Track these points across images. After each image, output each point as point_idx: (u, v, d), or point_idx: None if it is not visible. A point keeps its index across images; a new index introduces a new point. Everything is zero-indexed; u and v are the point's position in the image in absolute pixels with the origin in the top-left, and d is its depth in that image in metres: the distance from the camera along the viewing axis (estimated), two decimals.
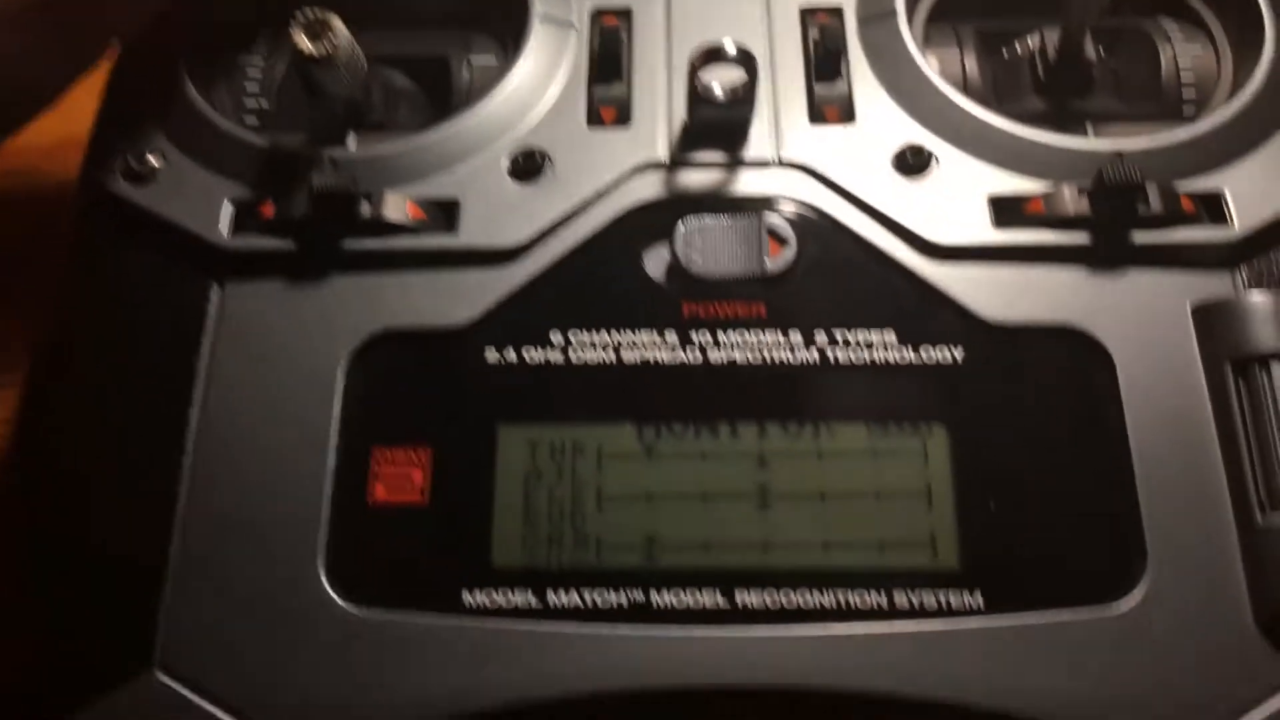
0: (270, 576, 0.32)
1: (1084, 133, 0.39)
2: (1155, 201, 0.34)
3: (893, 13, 0.39)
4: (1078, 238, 0.35)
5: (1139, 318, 0.34)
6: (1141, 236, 0.35)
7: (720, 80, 0.36)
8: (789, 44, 0.39)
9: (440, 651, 0.31)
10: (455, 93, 0.41)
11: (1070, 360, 0.34)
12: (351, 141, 0.39)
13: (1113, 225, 0.35)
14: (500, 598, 0.31)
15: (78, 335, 0.35)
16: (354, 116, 0.40)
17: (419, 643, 0.31)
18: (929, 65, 0.38)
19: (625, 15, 0.40)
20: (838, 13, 0.40)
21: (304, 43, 0.35)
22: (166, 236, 0.36)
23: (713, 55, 0.35)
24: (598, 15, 0.40)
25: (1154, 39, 0.40)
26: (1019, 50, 0.41)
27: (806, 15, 0.40)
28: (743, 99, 0.36)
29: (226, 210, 0.36)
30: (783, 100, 0.38)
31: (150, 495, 0.33)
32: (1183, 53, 0.40)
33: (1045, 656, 0.30)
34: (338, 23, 0.35)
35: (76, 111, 0.40)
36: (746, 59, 0.35)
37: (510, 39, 0.41)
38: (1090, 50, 0.39)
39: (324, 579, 0.31)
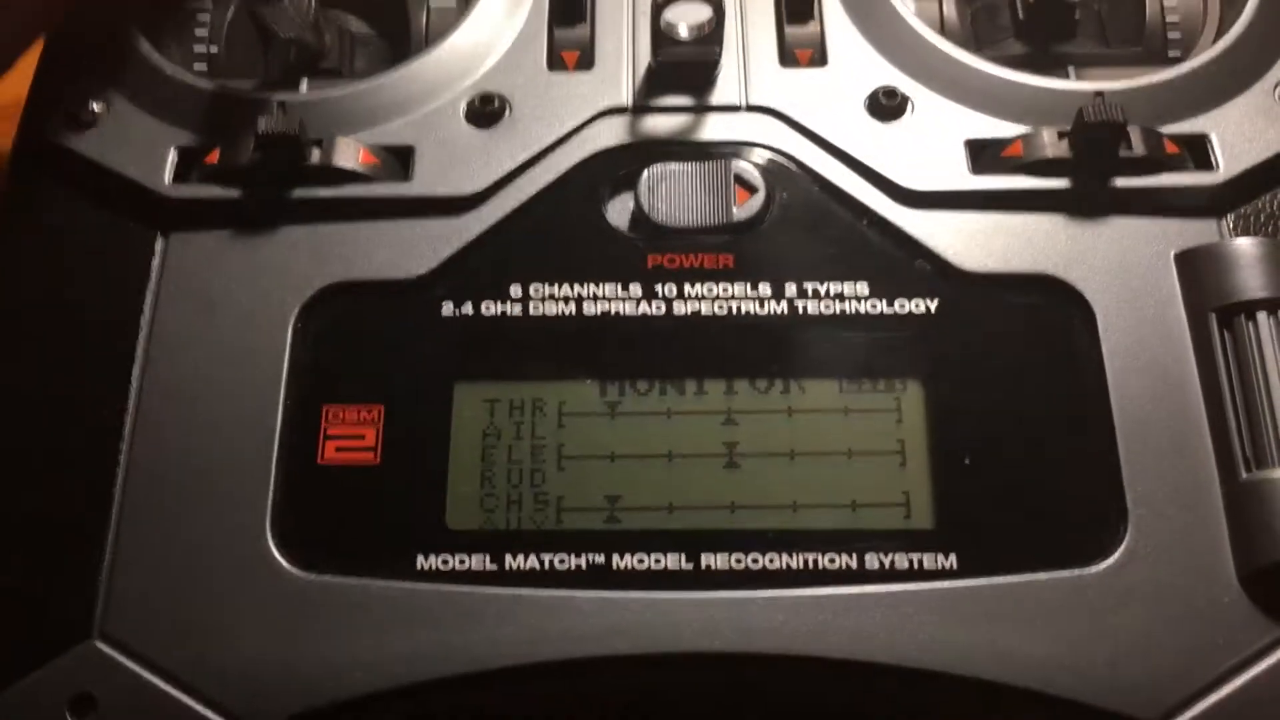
0: (215, 540, 0.30)
1: (1065, 76, 0.37)
2: (1138, 144, 0.33)
3: None
4: (1057, 183, 0.33)
5: (1120, 266, 0.33)
6: (1123, 181, 0.33)
7: (686, 19, 0.34)
8: None
9: (392, 618, 0.29)
10: (413, 37, 0.39)
11: (1049, 311, 0.32)
12: (304, 87, 0.37)
13: (1093, 169, 0.33)
14: (455, 561, 0.30)
15: (14, 290, 0.34)
16: (307, 62, 0.38)
17: (370, 609, 0.29)
18: (905, 6, 0.37)
19: None
20: None
21: None
22: (108, 186, 0.35)
23: None
24: None
25: None
26: None
27: None
28: (709, 38, 0.34)
29: (171, 158, 0.35)
30: (751, 41, 0.37)
31: (90, 456, 0.31)
32: None
33: (1021, 620, 0.29)
34: None
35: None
36: None
37: None
38: None
39: (271, 542, 0.30)
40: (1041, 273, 0.33)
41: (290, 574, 0.30)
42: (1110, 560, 0.30)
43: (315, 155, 0.34)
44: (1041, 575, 0.29)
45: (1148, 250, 0.33)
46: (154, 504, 0.31)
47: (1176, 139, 0.34)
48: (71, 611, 0.30)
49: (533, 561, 0.30)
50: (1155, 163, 0.33)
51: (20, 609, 0.30)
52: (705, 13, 0.34)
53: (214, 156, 0.34)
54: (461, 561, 0.30)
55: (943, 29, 0.38)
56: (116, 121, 0.35)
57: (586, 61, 0.36)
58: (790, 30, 0.37)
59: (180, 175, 0.35)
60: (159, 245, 0.34)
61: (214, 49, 0.39)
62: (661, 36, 0.34)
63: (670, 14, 0.34)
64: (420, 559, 0.30)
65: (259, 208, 0.34)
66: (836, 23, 0.37)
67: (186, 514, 0.31)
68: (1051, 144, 0.33)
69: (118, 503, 0.31)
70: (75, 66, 0.37)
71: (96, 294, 0.33)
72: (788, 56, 0.36)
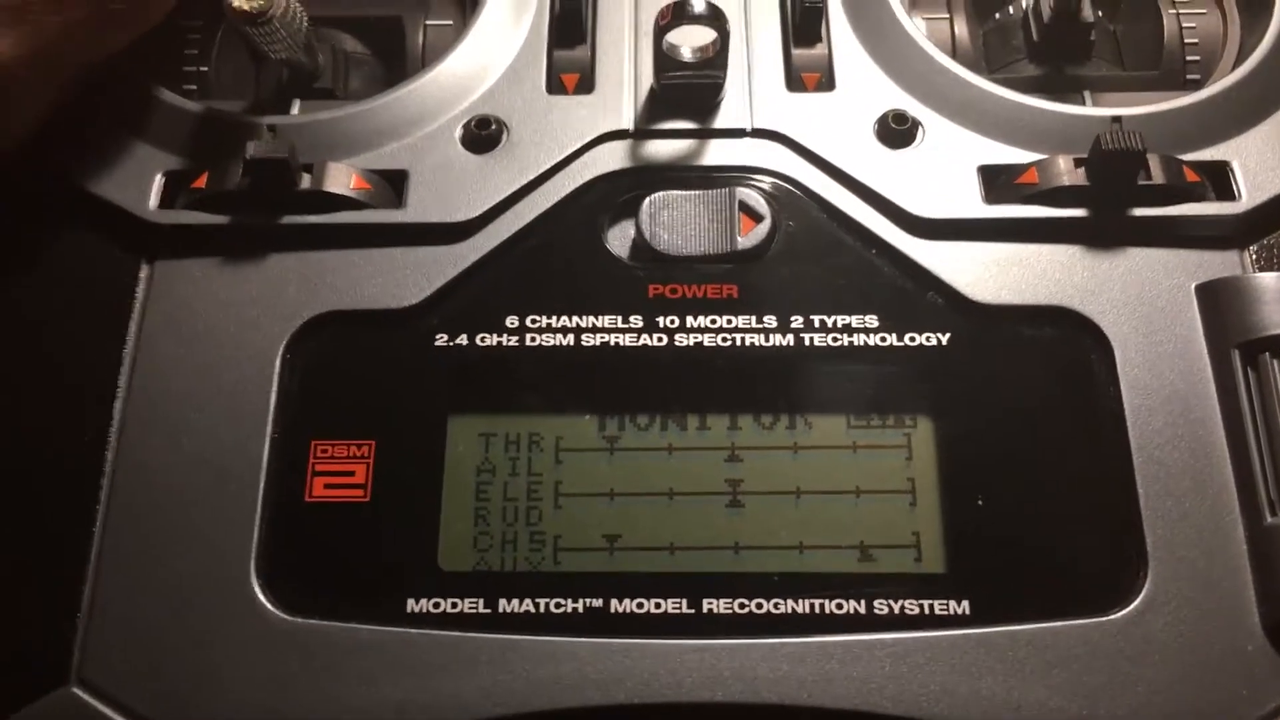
0: (198, 582, 0.29)
1: (1079, 99, 0.36)
2: (1157, 172, 0.32)
3: None
4: (1073, 212, 0.32)
5: (1139, 299, 0.31)
6: (1142, 211, 0.32)
7: (689, 41, 0.33)
8: (766, 3, 0.36)
9: (382, 665, 0.28)
10: (409, 57, 0.38)
11: (1065, 345, 0.31)
12: (295, 108, 0.36)
13: (1111, 198, 0.32)
14: (447, 605, 0.29)
15: None
16: (301, 83, 0.37)
17: (358, 655, 0.28)
18: (915, 28, 0.36)
19: None
20: None
21: None
22: (91, 210, 0.33)
23: (680, 12, 0.32)
24: None
25: (1157, 1, 0.38)
26: (1011, 12, 0.38)
27: None
28: (713, 61, 0.33)
29: (157, 182, 0.34)
30: (757, 64, 0.35)
31: (69, 493, 0.30)
32: (1187, 16, 0.37)
33: (1037, 670, 0.28)
34: None
35: None
36: (716, 16, 0.32)
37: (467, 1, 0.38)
38: (1088, 10, 0.36)
39: (256, 585, 0.29)
40: (1057, 305, 0.31)
41: (276, 618, 0.29)
42: (1129, 608, 0.28)
43: (306, 180, 0.33)
44: (1058, 624, 0.28)
45: (1167, 282, 0.31)
46: (135, 543, 0.30)
47: (1197, 167, 0.32)
48: (47, 656, 0.29)
49: (528, 605, 0.29)
50: (1175, 191, 0.32)
51: None
52: (709, 35, 0.33)
53: (201, 181, 0.33)
54: (454, 605, 0.29)
55: (954, 51, 0.37)
56: (101, 144, 0.34)
57: (587, 84, 0.35)
58: (797, 53, 0.35)
59: (166, 200, 0.34)
60: (143, 273, 0.33)
61: (203, 69, 0.38)
62: (665, 59, 0.33)
63: (674, 36, 0.33)
64: (411, 602, 0.29)
65: (247, 234, 0.33)
66: (845, 45, 0.36)
67: (168, 554, 0.29)
68: (1068, 171, 0.32)
69: (97, 542, 0.30)
70: None
71: (78, 323, 0.32)
72: (795, 80, 0.35)
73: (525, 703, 0.28)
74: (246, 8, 0.32)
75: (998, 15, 0.39)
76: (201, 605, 0.29)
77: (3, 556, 0.30)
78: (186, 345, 0.32)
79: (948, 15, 0.38)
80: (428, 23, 0.39)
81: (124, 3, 0.32)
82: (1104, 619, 0.28)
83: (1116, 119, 0.32)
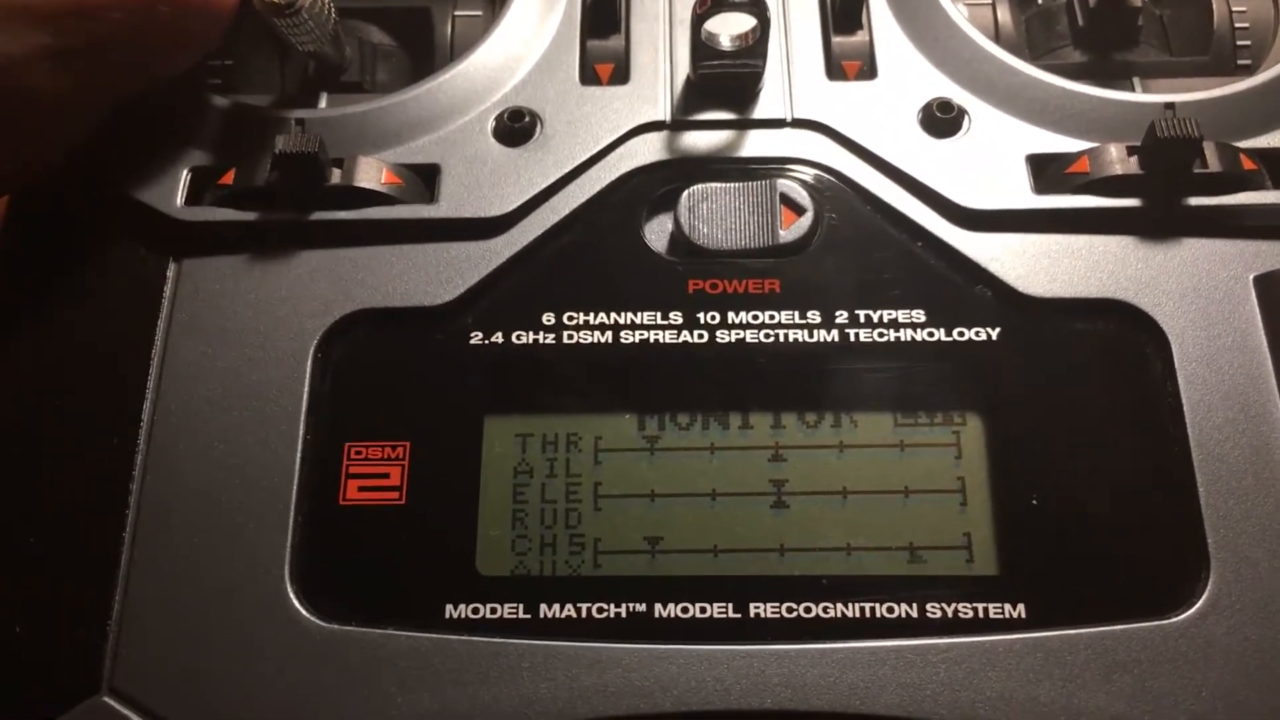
0: (231, 588, 0.28)
1: (1128, 85, 0.35)
2: (1213, 160, 0.31)
3: None
4: (1126, 202, 0.31)
5: (1195, 290, 0.30)
6: (1197, 200, 0.31)
7: (728, 29, 0.32)
8: None
9: (419, 672, 0.27)
10: (437, 48, 0.37)
11: (1119, 339, 0.30)
12: (323, 102, 0.35)
13: (1165, 187, 0.31)
14: (486, 610, 0.28)
15: (17, 319, 0.32)
16: (327, 75, 0.36)
17: (395, 662, 0.28)
18: (958, 13, 0.35)
19: None
20: None
21: None
22: (118, 209, 0.33)
23: (719, 1, 0.31)
24: None
25: None
26: None
27: None
28: (752, 50, 0.32)
29: (184, 179, 0.33)
30: (796, 53, 0.35)
31: (99, 499, 0.29)
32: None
33: (1096, 676, 0.27)
34: None
35: None
36: (756, 4, 0.31)
37: None
38: None
39: (290, 590, 0.28)
40: (1111, 298, 0.31)
41: (310, 624, 0.28)
42: (1191, 610, 0.27)
43: (336, 175, 0.32)
44: (1117, 627, 0.27)
45: (1224, 273, 0.31)
46: (166, 549, 0.29)
47: (1253, 154, 0.31)
48: (79, 664, 0.28)
49: (569, 610, 0.28)
50: (1231, 180, 0.31)
51: (25, 661, 0.28)
52: (749, 23, 0.32)
53: (229, 177, 0.32)
54: (493, 610, 0.28)
55: (997, 37, 0.36)
56: (127, 141, 0.33)
57: (621, 75, 0.34)
58: (838, 41, 0.35)
59: (193, 197, 0.33)
60: (171, 271, 0.32)
61: (229, 63, 0.37)
62: (702, 48, 0.32)
63: (712, 24, 0.32)
64: (449, 608, 0.28)
65: (276, 231, 0.32)
66: (886, 32, 0.35)
67: (200, 559, 0.29)
68: (1120, 160, 0.31)
69: (128, 548, 0.29)
70: None
71: (105, 323, 0.32)
72: (835, 69, 0.34)
73: (568, 711, 0.27)
74: (280, 1, 0.31)
75: (1040, 1, 0.37)
76: (234, 612, 0.28)
77: (33, 563, 0.29)
78: (216, 345, 0.31)
79: (990, 1, 0.37)
80: (456, 13, 0.38)
81: (170, 39, 0.31)
82: (1165, 622, 0.27)
83: (1170, 106, 0.31)
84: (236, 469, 0.30)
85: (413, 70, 0.38)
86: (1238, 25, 0.36)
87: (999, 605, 0.28)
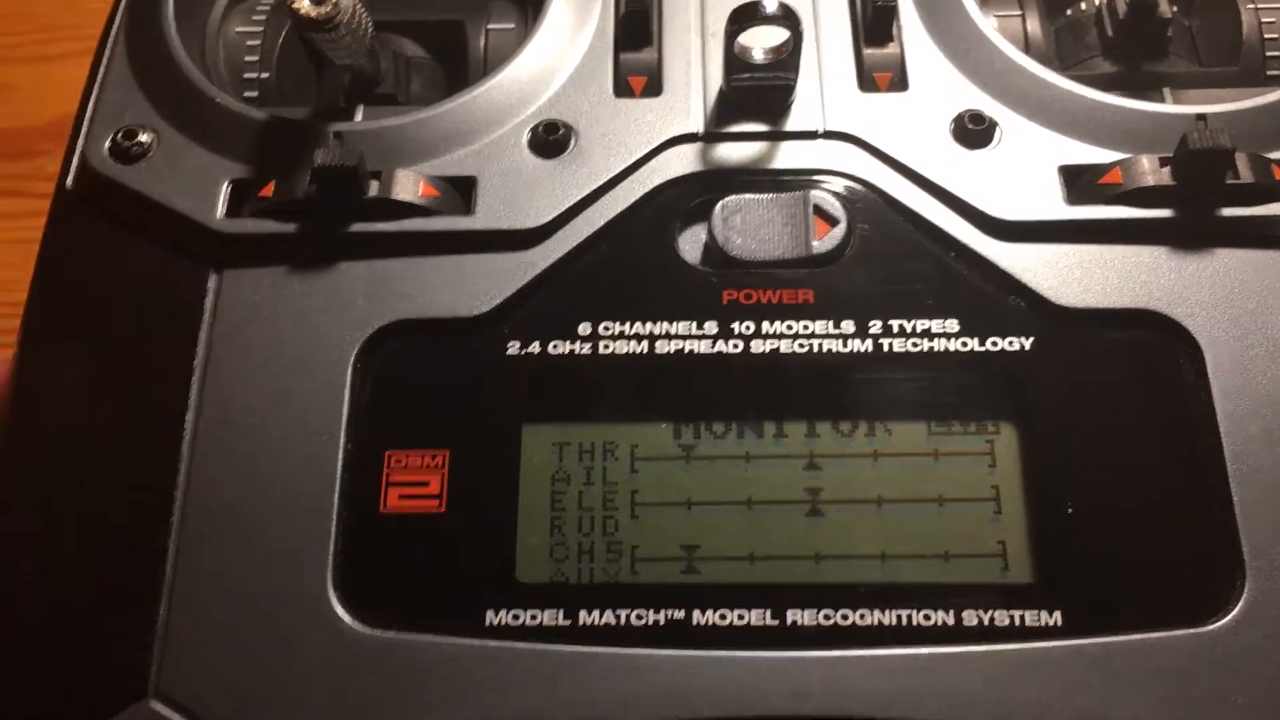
0: (275, 594, 0.29)
1: (1159, 96, 0.35)
2: (1245, 171, 0.31)
3: None
4: (1159, 213, 0.31)
5: (1228, 301, 0.31)
6: (1230, 211, 0.31)
7: (761, 42, 0.32)
8: (834, 2, 0.36)
9: (461, 677, 0.28)
10: (471, 61, 0.38)
11: (1153, 349, 0.31)
12: (359, 114, 0.36)
13: (1197, 198, 0.31)
14: (526, 617, 0.28)
15: (60, 330, 0.32)
16: (362, 88, 0.37)
17: (437, 668, 0.28)
18: (988, 24, 0.35)
19: None
20: None
21: (304, 5, 0.31)
22: (159, 220, 0.33)
23: (751, 13, 0.31)
24: None
25: None
26: (1085, 8, 0.37)
27: None
28: (785, 62, 0.33)
29: (224, 191, 0.33)
30: (828, 64, 0.35)
31: (143, 507, 0.30)
32: (1266, 10, 0.36)
33: (1134, 682, 0.27)
34: None
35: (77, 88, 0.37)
36: (789, 16, 0.31)
37: (530, 2, 0.38)
38: (1165, 6, 0.36)
39: (333, 597, 0.29)
40: (1144, 308, 0.31)
41: (353, 630, 0.28)
42: (1228, 618, 0.28)
43: (374, 188, 0.32)
44: (1153, 634, 0.28)
45: (1257, 284, 0.31)
46: (210, 556, 0.29)
47: None
48: (126, 670, 0.28)
49: (608, 617, 0.29)
50: (1263, 191, 0.31)
51: (73, 667, 0.29)
52: (782, 35, 0.32)
53: (268, 189, 0.33)
54: (533, 617, 0.28)
55: (1027, 48, 0.37)
56: (166, 152, 0.34)
57: (654, 87, 0.35)
58: (869, 53, 0.35)
59: (234, 209, 0.33)
60: (212, 282, 0.32)
61: (265, 75, 0.38)
62: (735, 60, 0.33)
63: (745, 37, 0.32)
64: (489, 614, 0.29)
65: (316, 242, 0.32)
66: (917, 44, 0.35)
67: (244, 566, 0.29)
68: (1153, 171, 0.31)
69: (172, 555, 0.29)
70: (122, 90, 0.35)
71: (146, 334, 0.32)
72: (867, 80, 0.35)
73: (608, 716, 0.27)
74: (314, 14, 0.31)
75: (1070, 11, 0.38)
76: (278, 618, 0.29)
77: (80, 571, 0.29)
78: (257, 355, 0.31)
79: (1020, 12, 0.37)
80: (489, 26, 0.38)
81: None
82: (1201, 629, 0.28)
83: (1202, 117, 0.32)
84: (279, 477, 0.30)
85: (446, 82, 0.38)
86: (1267, 36, 0.36)
87: (1035, 613, 0.28)
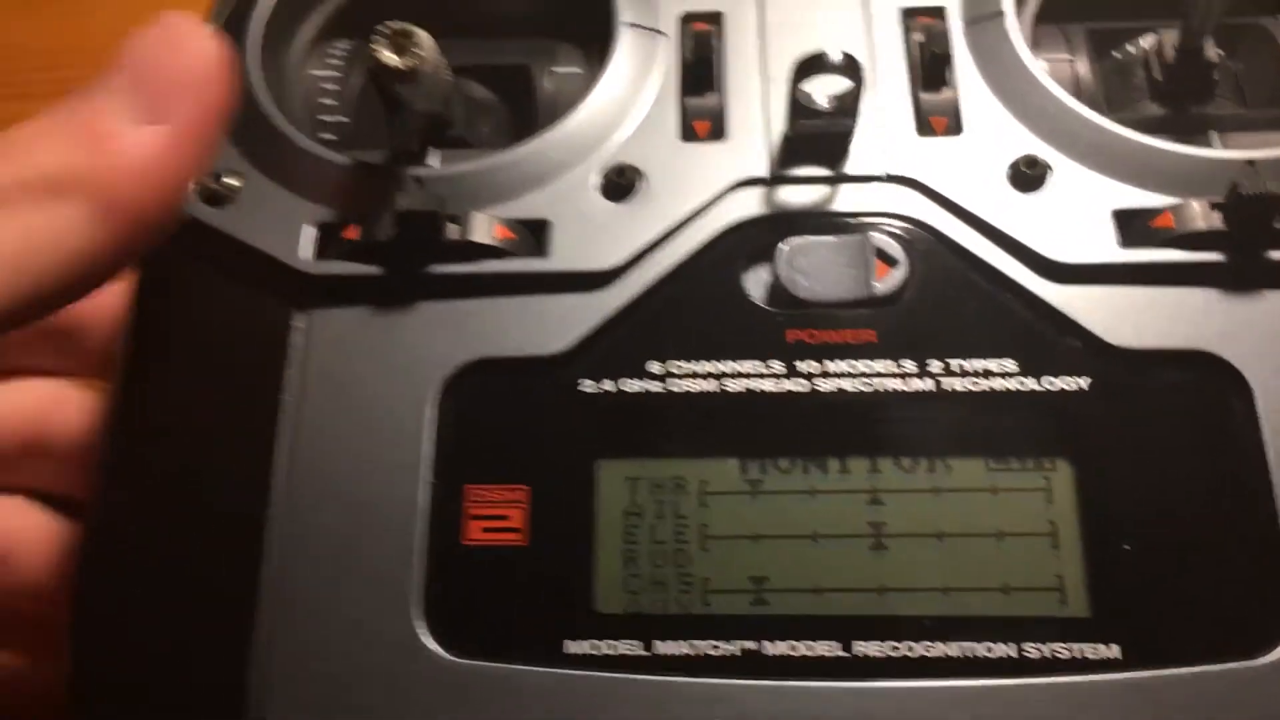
0: (364, 624, 0.30)
1: (1206, 139, 0.36)
2: None
3: (1000, 13, 0.37)
4: (1210, 256, 0.32)
5: (1279, 342, 0.32)
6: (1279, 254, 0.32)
7: (825, 90, 0.34)
8: (891, 48, 0.37)
9: (543, 705, 0.29)
10: (539, 104, 0.39)
11: (1206, 389, 0.32)
12: (434, 158, 0.37)
13: (1248, 242, 0.32)
14: (605, 647, 0.30)
15: (152, 368, 0.34)
16: (434, 130, 0.38)
17: (520, 695, 0.29)
18: (1039, 67, 0.36)
19: (715, 20, 0.38)
20: (940, 12, 0.38)
21: (388, 57, 0.33)
22: (247, 261, 0.35)
23: (817, 64, 0.33)
24: (687, 20, 0.38)
25: (1277, 37, 0.38)
26: (1132, 52, 0.38)
27: (908, 16, 0.38)
28: (847, 109, 0.34)
29: (309, 233, 0.35)
30: (886, 109, 0.36)
31: (236, 540, 0.31)
32: None
33: (1191, 715, 0.28)
34: (423, 35, 0.33)
35: None
36: (852, 67, 0.33)
37: (595, 47, 0.39)
38: (1211, 51, 0.37)
39: (420, 627, 0.30)
40: (1196, 349, 0.32)
41: (440, 659, 0.30)
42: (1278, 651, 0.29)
43: (453, 231, 0.34)
44: (1208, 668, 0.29)
45: None
46: (300, 587, 0.31)
47: None
48: (224, 696, 0.30)
49: (683, 647, 0.30)
50: None
51: (174, 693, 0.30)
52: (844, 84, 0.33)
53: (352, 232, 0.34)
54: (611, 647, 0.30)
55: (1078, 91, 0.38)
56: (253, 195, 0.35)
57: (719, 131, 0.36)
58: (925, 98, 0.36)
59: (319, 250, 0.35)
60: (299, 321, 0.34)
61: (343, 119, 0.39)
62: (799, 107, 0.34)
63: (808, 85, 0.33)
64: (570, 644, 0.30)
65: (398, 283, 0.34)
66: (972, 87, 0.36)
67: (333, 597, 0.31)
68: (1204, 216, 0.32)
69: (266, 585, 0.31)
70: None
71: (236, 371, 0.34)
72: (924, 125, 0.36)
73: None
74: (399, 66, 0.33)
75: (1117, 55, 0.39)
76: (367, 646, 0.30)
77: (179, 601, 0.31)
78: (342, 392, 0.33)
79: (1069, 56, 0.39)
80: (554, 70, 0.40)
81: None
82: (1254, 663, 0.29)
83: (1251, 163, 0.33)
84: (365, 510, 0.31)
85: (513, 124, 0.40)
86: None
87: (1094, 646, 0.29)
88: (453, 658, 0.30)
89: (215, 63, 0.30)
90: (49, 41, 0.59)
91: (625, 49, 0.37)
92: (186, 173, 0.30)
